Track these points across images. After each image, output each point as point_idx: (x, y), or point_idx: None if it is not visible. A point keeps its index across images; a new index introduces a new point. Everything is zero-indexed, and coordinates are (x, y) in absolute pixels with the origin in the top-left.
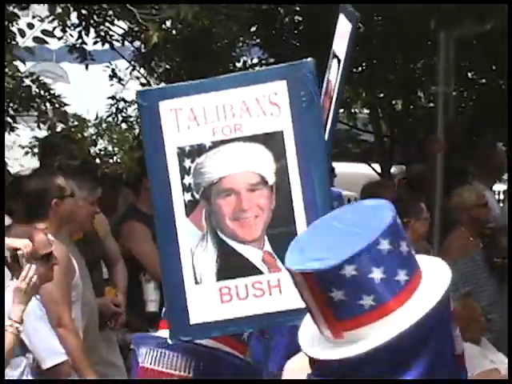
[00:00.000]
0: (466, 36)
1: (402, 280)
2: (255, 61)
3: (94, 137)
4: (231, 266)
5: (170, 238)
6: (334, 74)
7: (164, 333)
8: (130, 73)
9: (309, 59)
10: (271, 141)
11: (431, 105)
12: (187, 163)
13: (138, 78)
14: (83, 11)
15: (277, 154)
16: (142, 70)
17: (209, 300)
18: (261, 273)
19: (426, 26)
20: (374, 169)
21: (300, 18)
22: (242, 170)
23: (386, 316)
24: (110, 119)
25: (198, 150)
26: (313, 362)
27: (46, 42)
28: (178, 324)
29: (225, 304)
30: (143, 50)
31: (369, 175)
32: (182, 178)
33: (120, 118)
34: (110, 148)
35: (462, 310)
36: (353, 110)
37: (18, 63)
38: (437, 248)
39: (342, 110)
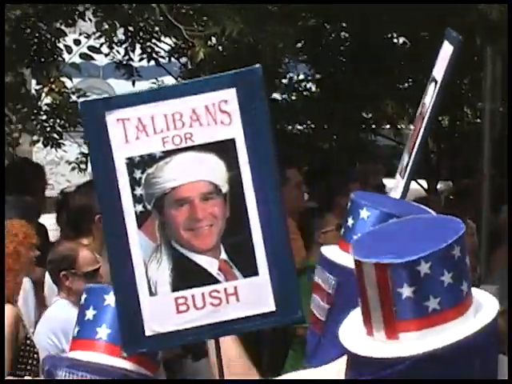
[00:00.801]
0: None
1: (464, 291)
2: (301, 77)
3: None
4: (187, 275)
5: (122, 250)
6: (429, 96)
7: (79, 354)
8: None
9: (257, 65)
10: (223, 149)
11: (478, 121)
12: (137, 174)
13: None
14: (130, 28)
15: (229, 163)
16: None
17: (164, 311)
18: (217, 281)
19: (473, 42)
20: (420, 185)
21: (346, 35)
22: (195, 179)
23: (444, 323)
24: None
25: (149, 161)
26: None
27: (93, 59)
28: (133, 336)
29: (181, 314)
30: (189, 67)
31: (416, 191)
32: (133, 190)
33: None
34: None
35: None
36: (399, 126)
37: (64, 79)
38: (484, 264)
39: (388, 126)
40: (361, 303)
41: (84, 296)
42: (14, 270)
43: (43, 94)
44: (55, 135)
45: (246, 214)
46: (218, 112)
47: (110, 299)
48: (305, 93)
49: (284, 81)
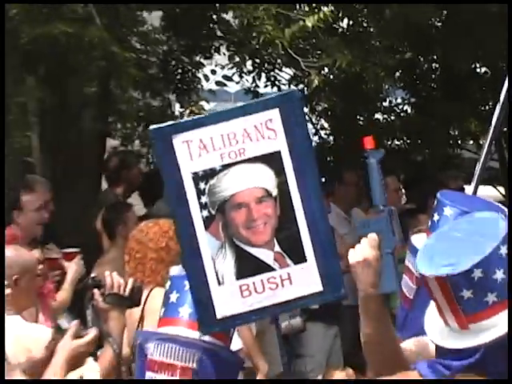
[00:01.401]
0: None
1: None
2: (399, 101)
3: None
4: (248, 266)
5: (193, 249)
6: (495, 115)
7: (166, 329)
8: None
9: (295, 89)
10: (271, 160)
11: None
12: (202, 185)
13: None
14: (256, 60)
15: (277, 171)
16: (305, 109)
17: (231, 297)
18: (273, 270)
19: None
20: (499, 191)
21: (437, 65)
22: (250, 186)
23: (505, 310)
24: None
25: (210, 174)
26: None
27: (226, 86)
28: (206, 319)
29: (245, 298)
30: (306, 92)
31: (495, 196)
32: (199, 198)
33: None
34: None
35: None
36: (481, 142)
37: (203, 103)
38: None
39: (471, 142)
40: (433, 301)
41: (168, 283)
42: (166, 261)
43: (185, 116)
44: None
45: (293, 212)
46: (265, 129)
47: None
48: (402, 114)
49: (385, 104)
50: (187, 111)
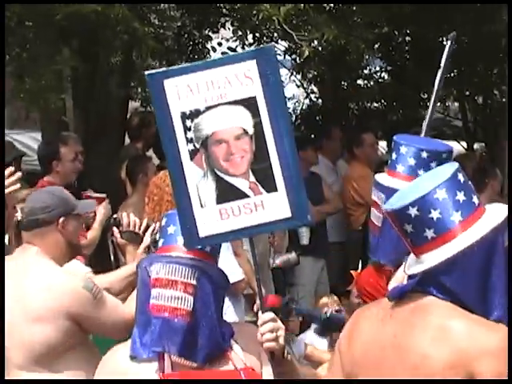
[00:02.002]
0: None
1: (456, 220)
2: (377, 69)
3: None
4: (226, 193)
5: (180, 176)
6: (437, 80)
7: (173, 254)
8: (289, 77)
9: (270, 45)
10: (248, 103)
11: (503, 100)
12: (188, 123)
13: (294, 81)
14: (256, 34)
15: (253, 113)
16: (298, 76)
17: (212, 218)
18: (248, 196)
19: (500, 44)
20: (462, 145)
21: (409, 39)
22: (229, 125)
23: (447, 242)
24: None
25: (195, 113)
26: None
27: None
28: (191, 237)
29: (224, 220)
30: (298, 61)
31: (458, 150)
32: (185, 134)
33: None
34: None
35: None
36: (447, 104)
37: None
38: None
39: (439, 104)
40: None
41: (164, 219)
42: None
43: None
44: None
45: (266, 148)
46: (243, 77)
47: None
48: (379, 80)
49: (365, 71)
50: None
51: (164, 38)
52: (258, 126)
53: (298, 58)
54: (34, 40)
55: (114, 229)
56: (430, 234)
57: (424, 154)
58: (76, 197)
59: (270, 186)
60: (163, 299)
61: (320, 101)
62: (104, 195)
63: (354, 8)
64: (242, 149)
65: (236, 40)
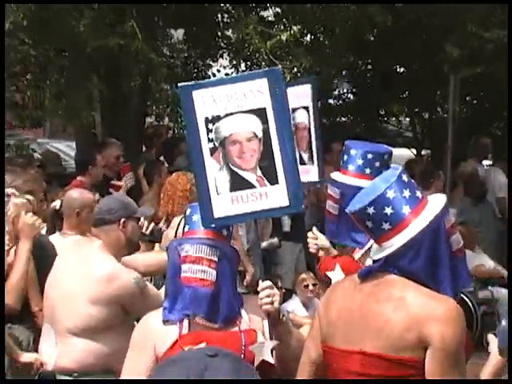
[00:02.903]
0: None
1: (406, 212)
2: (345, 90)
3: None
4: (238, 183)
5: (202, 169)
6: (305, 117)
7: (199, 236)
8: None
9: (279, 67)
10: (259, 112)
11: (445, 116)
12: (210, 126)
13: None
14: (248, 62)
15: (262, 120)
16: None
17: (225, 203)
18: (255, 187)
19: (442, 70)
20: (412, 152)
21: (370, 66)
22: (243, 129)
23: (401, 231)
24: None
25: (216, 118)
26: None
27: None
28: (207, 217)
29: (234, 205)
30: None
31: (409, 156)
32: (207, 134)
33: None
34: None
35: (462, 230)
36: (400, 118)
37: None
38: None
39: (393, 118)
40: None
41: (188, 210)
42: (189, 199)
43: None
44: None
45: (271, 149)
46: (256, 92)
47: None
48: (346, 100)
49: (335, 92)
50: None
51: (174, 66)
52: (266, 131)
53: None
54: (69, 68)
55: None
56: (386, 226)
57: (369, 156)
58: (106, 187)
59: (273, 180)
60: (192, 272)
61: None
62: (122, 183)
63: (326, 42)
64: (252, 149)
65: (232, 67)
